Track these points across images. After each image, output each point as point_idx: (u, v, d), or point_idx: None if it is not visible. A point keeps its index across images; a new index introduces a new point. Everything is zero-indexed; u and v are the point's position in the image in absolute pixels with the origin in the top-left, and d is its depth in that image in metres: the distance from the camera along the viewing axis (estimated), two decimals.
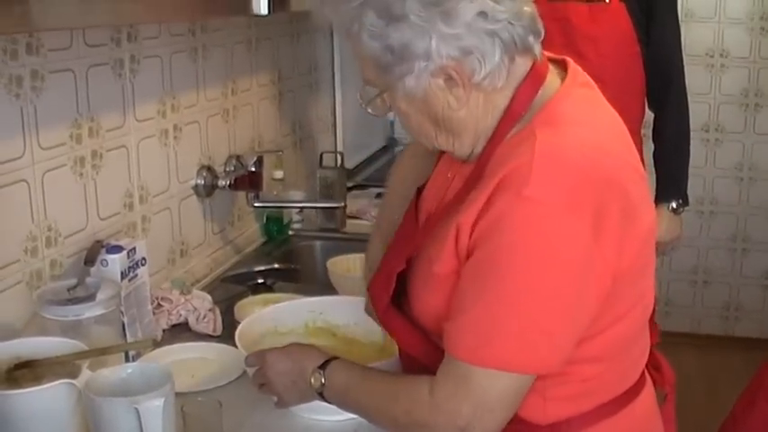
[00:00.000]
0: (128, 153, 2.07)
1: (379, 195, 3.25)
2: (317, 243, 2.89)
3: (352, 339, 1.87)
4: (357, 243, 2.80)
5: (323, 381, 1.46)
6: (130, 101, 2.07)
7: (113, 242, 1.89)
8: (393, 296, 1.42)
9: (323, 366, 1.47)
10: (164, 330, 2.07)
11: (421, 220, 1.47)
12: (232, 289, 2.34)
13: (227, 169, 2.53)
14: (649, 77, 2.74)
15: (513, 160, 1.26)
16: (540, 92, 1.34)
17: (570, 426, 1.37)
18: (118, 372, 1.46)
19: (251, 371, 1.61)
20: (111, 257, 1.83)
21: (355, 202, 3.05)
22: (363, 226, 2.93)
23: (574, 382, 1.35)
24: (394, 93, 1.33)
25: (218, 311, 2.15)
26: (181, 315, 2.13)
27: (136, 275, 1.91)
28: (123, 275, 1.85)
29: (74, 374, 1.44)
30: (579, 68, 1.39)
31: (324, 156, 2.97)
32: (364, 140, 3.84)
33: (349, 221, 2.95)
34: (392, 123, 4.16)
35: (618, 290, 1.29)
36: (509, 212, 1.23)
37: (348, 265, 2.44)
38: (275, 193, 2.76)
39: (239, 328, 1.77)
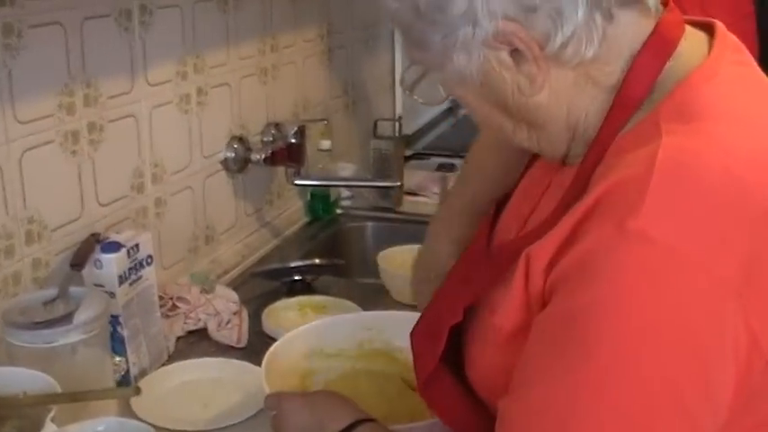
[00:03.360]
0: (137, 124, 1.71)
1: (441, 167, 2.87)
2: (369, 225, 2.52)
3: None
4: (415, 226, 2.45)
5: None
6: (140, 61, 1.70)
7: (112, 236, 1.54)
8: (444, 353, 1.02)
9: (348, 430, 1.11)
10: (177, 339, 1.72)
11: (494, 251, 1.07)
12: (264, 286, 1.98)
13: (264, 140, 2.16)
14: (763, 46, 2.27)
15: (619, 172, 0.85)
16: (668, 64, 0.92)
17: None
18: (87, 428, 1.10)
19: (272, 414, 1.25)
20: (105, 257, 1.47)
21: (413, 176, 2.67)
22: (423, 205, 2.57)
23: None
24: (443, 74, 0.95)
25: (245, 315, 1.80)
26: (200, 320, 1.78)
27: (139, 278, 1.55)
28: (122, 279, 1.49)
29: (37, 426, 1.10)
30: (732, 36, 0.97)
31: (379, 123, 2.57)
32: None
33: (406, 199, 2.58)
34: None
35: (765, 381, 0.85)
36: (603, 252, 0.81)
37: (403, 259, 2.05)
38: (321, 166, 2.38)
39: (268, 354, 1.38)
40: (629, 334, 0.80)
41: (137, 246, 1.54)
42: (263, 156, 2.07)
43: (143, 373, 1.56)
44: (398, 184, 2.30)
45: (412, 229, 2.41)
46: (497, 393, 0.92)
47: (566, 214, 0.88)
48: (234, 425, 1.43)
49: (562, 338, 0.84)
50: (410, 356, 1.44)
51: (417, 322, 1.10)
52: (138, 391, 1.22)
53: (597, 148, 0.92)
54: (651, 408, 0.80)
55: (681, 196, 0.81)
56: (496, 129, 1.00)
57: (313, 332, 1.48)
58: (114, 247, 1.49)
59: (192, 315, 1.77)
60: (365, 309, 1.77)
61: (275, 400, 1.22)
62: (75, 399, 1.16)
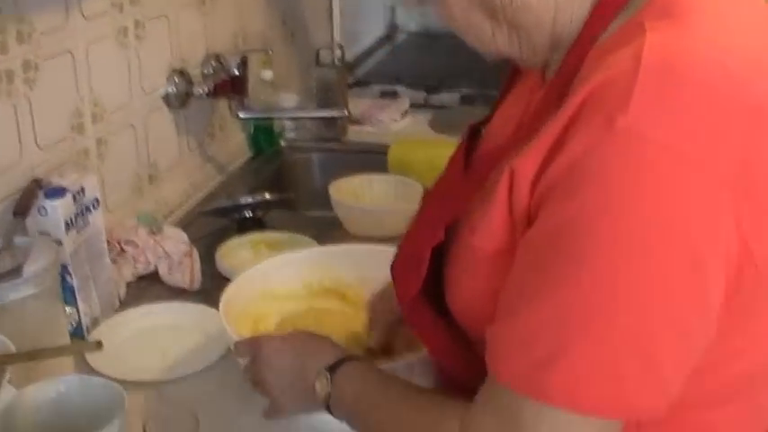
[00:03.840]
0: (74, 61, 1.61)
1: (384, 95, 2.80)
2: (314, 156, 2.45)
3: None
4: (361, 156, 2.40)
5: (329, 389, 1.05)
6: None
7: (55, 181, 1.46)
8: (425, 283, 0.97)
9: (333, 368, 1.06)
10: (127, 284, 1.66)
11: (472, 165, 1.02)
12: (212, 224, 1.91)
13: (205, 72, 2.07)
14: None
15: (603, 72, 0.79)
16: None
17: None
18: (47, 389, 1.04)
19: (243, 361, 1.20)
20: (50, 204, 1.39)
21: (357, 104, 2.60)
22: (368, 133, 2.51)
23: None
24: None
25: (196, 256, 1.73)
26: (150, 263, 1.71)
27: (87, 224, 1.48)
28: (69, 226, 1.42)
29: None
30: None
31: (321, 52, 2.48)
32: (360, 28, 3.32)
33: (351, 128, 2.52)
34: (393, 9, 3.62)
35: (759, 291, 0.82)
36: (591, 153, 0.76)
37: (354, 190, 2.01)
38: (263, 98, 2.30)
39: (224, 296, 1.32)
40: (622, 237, 0.75)
41: (82, 189, 1.46)
42: (206, 89, 1.98)
43: (95, 323, 1.50)
44: (346, 113, 2.23)
45: (359, 158, 2.35)
46: (481, 321, 0.88)
47: (546, 123, 0.83)
48: (196, 372, 1.38)
49: (551, 253, 0.79)
50: (360, 294, 1.42)
51: (397, 253, 1.05)
52: (99, 345, 1.15)
53: (576, 53, 0.87)
54: (644, 318, 0.77)
55: (671, 91, 0.76)
56: (475, 34, 0.93)
57: (261, 273, 1.43)
58: (59, 192, 1.41)
59: (142, 258, 1.70)
60: (320, 243, 1.72)
61: (249, 345, 1.17)
62: (33, 357, 1.09)
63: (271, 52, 2.25)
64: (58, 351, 1.17)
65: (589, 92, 0.78)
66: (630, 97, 0.75)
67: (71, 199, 1.42)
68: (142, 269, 1.70)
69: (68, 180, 1.46)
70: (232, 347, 1.22)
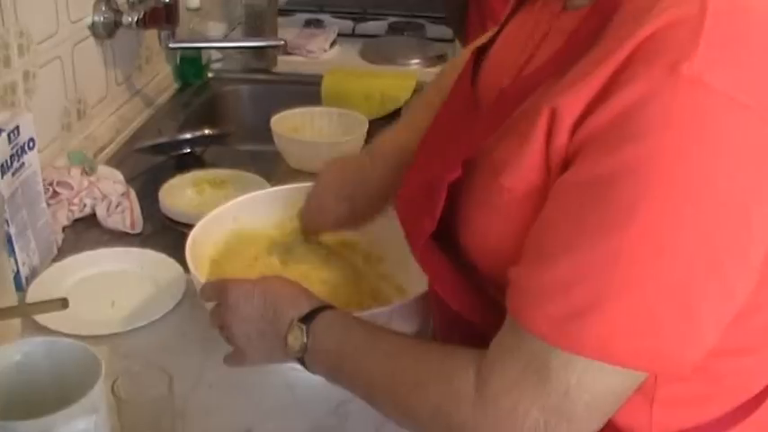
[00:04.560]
0: None
1: (309, 24, 2.70)
2: (244, 88, 2.35)
3: (346, 243, 1.37)
4: (292, 87, 2.32)
5: (305, 340, 0.98)
6: None
7: None
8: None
9: (308, 318, 0.99)
10: (64, 229, 1.55)
11: (483, 101, 0.95)
12: (146, 162, 1.80)
13: (131, 0, 1.93)
14: None
15: (663, 13, 0.73)
16: None
17: None
18: (8, 353, 0.94)
19: (209, 305, 1.11)
20: None
21: (283, 34, 2.49)
22: (299, 63, 2.41)
23: (700, 381, 0.86)
24: None
25: (134, 197, 1.63)
26: (85, 205, 1.60)
27: (22, 165, 1.36)
28: (4, 169, 1.31)
29: None
30: None
31: None
32: None
33: (280, 58, 2.41)
34: None
35: None
36: (653, 99, 0.71)
37: (295, 124, 1.92)
38: (191, 27, 2.18)
39: (192, 235, 1.24)
40: (675, 188, 0.71)
41: (17, 129, 1.34)
42: (136, 18, 1.85)
43: (34, 273, 1.40)
44: (282, 42, 2.12)
45: (290, 90, 2.27)
46: (499, 263, 0.84)
47: (583, 57, 0.77)
48: (153, 322, 1.29)
49: (597, 199, 0.74)
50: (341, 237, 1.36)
51: (403, 186, 0.99)
52: (66, 304, 1.05)
53: None
54: (689, 270, 0.73)
55: (738, 41, 0.72)
56: None
57: (229, 212, 1.35)
58: None
59: (77, 201, 1.60)
60: (266, 179, 1.64)
61: (216, 288, 1.09)
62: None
63: None
64: (21, 310, 1.07)
65: (648, 35, 0.73)
66: (697, 44, 0.70)
67: (6, 139, 1.31)
68: (78, 212, 1.59)
69: (1, 118, 1.34)
70: (198, 291, 1.14)
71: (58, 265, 1.43)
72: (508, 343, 0.81)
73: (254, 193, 1.38)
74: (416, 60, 2.47)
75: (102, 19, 1.81)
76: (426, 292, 1.07)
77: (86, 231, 1.57)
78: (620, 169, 0.72)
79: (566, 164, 0.78)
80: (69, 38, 1.72)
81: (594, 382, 0.77)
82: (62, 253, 1.48)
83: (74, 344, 0.94)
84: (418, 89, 2.23)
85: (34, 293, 1.33)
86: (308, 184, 1.32)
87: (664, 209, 0.71)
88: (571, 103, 0.76)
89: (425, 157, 0.99)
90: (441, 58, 2.49)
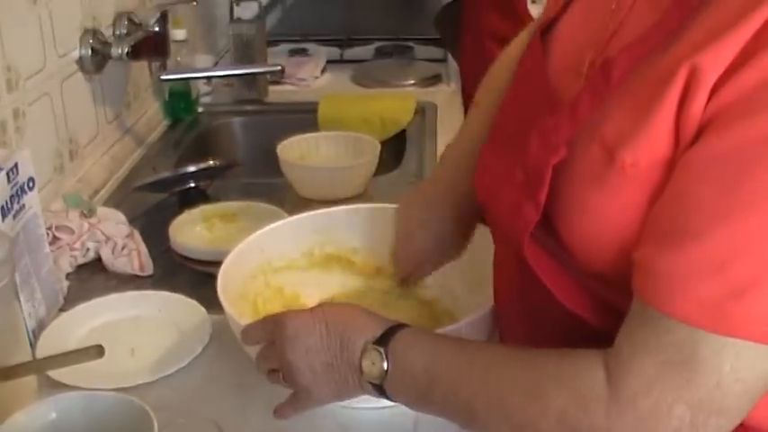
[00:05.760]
0: None
1: (294, 53, 2.61)
2: (236, 120, 2.24)
3: (377, 269, 1.27)
4: (286, 116, 2.22)
5: (384, 365, 0.86)
6: None
7: None
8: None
9: (383, 340, 0.88)
10: (67, 277, 1.43)
11: (559, 79, 0.88)
12: (147, 200, 1.69)
13: (118, 33, 1.83)
14: None
15: None
16: None
17: None
18: (42, 412, 0.82)
19: (252, 349, 0.99)
20: None
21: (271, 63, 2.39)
22: (289, 92, 2.32)
23: None
24: None
25: (138, 237, 1.51)
26: (88, 250, 1.48)
27: (22, 207, 1.24)
28: (5, 211, 1.19)
29: None
30: None
31: (234, 6, 2.26)
32: None
33: (271, 88, 2.32)
34: None
35: None
36: None
37: (301, 152, 1.82)
38: (179, 59, 2.07)
39: (223, 269, 1.12)
40: None
41: (15, 167, 1.22)
42: (126, 50, 1.74)
43: (41, 325, 1.27)
44: (279, 67, 2.02)
45: (284, 119, 2.18)
46: (612, 249, 0.77)
47: (700, 13, 0.71)
48: (180, 370, 1.17)
49: (749, 169, 0.67)
50: (370, 260, 1.26)
51: (478, 176, 0.91)
52: (101, 352, 0.93)
53: None
54: None
55: None
56: None
57: (255, 244, 1.24)
58: None
59: (78, 245, 1.48)
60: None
61: (267, 326, 0.97)
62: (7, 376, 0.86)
63: (195, 3, 2.01)
64: (55, 362, 0.94)
65: None
66: None
67: (5, 178, 1.19)
68: (81, 257, 1.47)
69: None
70: (237, 334, 1.02)
71: (66, 314, 1.30)
72: (641, 336, 0.73)
73: (272, 225, 1.27)
74: (411, 81, 2.40)
75: (89, 52, 1.69)
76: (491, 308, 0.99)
77: (91, 278, 1.45)
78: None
79: (699, 131, 0.70)
80: (57, 73, 1.60)
81: (749, 369, 0.70)
82: (68, 302, 1.35)
83: (118, 397, 0.83)
84: (419, 110, 2.15)
85: (44, 347, 1.21)
86: (340, 207, 1.24)
87: None
88: (713, 59, 0.69)
89: (505, 147, 0.89)
90: (435, 78, 2.41)
